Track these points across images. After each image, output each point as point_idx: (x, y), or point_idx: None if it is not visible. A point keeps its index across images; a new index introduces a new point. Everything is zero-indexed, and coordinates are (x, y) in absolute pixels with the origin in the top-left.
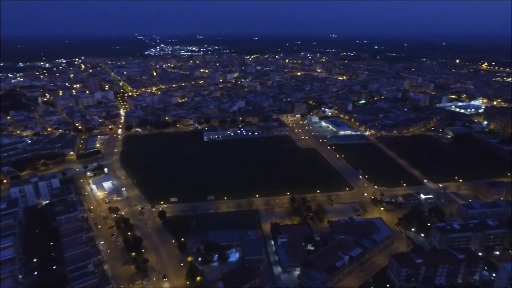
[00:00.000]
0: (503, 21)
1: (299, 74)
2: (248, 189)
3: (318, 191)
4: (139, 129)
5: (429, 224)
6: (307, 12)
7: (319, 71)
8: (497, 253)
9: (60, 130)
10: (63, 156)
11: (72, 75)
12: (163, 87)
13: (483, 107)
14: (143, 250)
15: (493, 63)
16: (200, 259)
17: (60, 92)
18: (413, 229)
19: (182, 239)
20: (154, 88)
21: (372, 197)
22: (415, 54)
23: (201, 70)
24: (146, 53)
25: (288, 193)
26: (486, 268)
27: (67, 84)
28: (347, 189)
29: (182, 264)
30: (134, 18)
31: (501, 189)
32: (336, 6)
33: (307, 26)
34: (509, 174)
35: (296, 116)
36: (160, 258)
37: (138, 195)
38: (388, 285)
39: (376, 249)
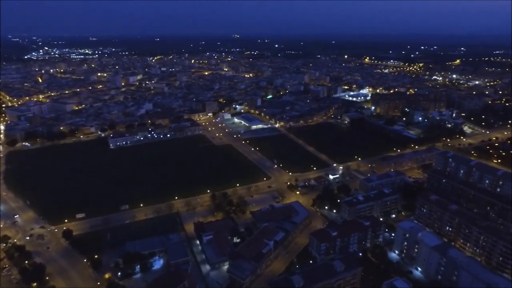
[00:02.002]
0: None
1: (206, 73)
2: (165, 192)
3: (237, 184)
4: (26, 143)
5: (338, 200)
6: (209, 12)
7: (226, 70)
8: (393, 216)
9: None
10: None
11: None
12: (52, 94)
13: (370, 95)
14: (47, 278)
15: (373, 58)
16: (119, 273)
17: None
18: (326, 207)
19: (96, 257)
20: (41, 96)
21: (288, 183)
22: (311, 51)
23: (99, 74)
24: (26, 57)
25: (209, 191)
26: (386, 230)
27: None
28: (264, 179)
29: (99, 283)
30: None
31: (391, 162)
32: (234, 6)
33: (209, 26)
34: (395, 149)
35: (208, 114)
36: (71, 282)
37: (34, 218)
38: (311, 261)
39: (297, 230)
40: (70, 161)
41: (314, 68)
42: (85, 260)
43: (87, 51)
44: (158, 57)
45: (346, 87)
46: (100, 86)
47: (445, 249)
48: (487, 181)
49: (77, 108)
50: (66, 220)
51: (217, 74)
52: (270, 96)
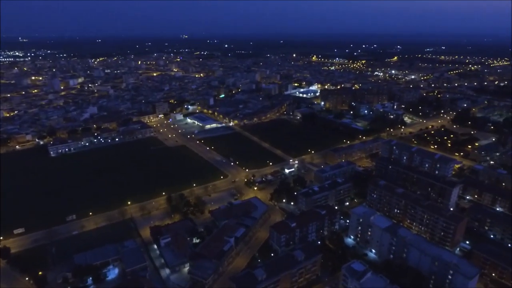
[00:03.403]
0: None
1: (155, 74)
2: (117, 199)
3: (194, 185)
4: None
5: (295, 193)
6: (153, 12)
7: (176, 70)
8: (347, 203)
9: None
10: None
11: None
12: None
13: (319, 91)
14: None
15: (320, 56)
16: None
17: None
18: (284, 200)
19: (40, 273)
20: None
21: (246, 180)
22: (260, 51)
23: (33, 78)
24: None
25: (164, 193)
26: (342, 217)
27: None
28: (221, 177)
29: None
30: None
31: (341, 153)
32: (182, 5)
33: (154, 27)
34: (344, 140)
35: (159, 116)
36: None
37: None
38: (272, 254)
39: (257, 225)
40: (3, 173)
41: (265, 67)
42: (27, 279)
43: (17, 53)
44: (101, 59)
45: (296, 84)
46: (36, 90)
47: (395, 229)
48: (426, 165)
49: (8, 115)
50: (1, 238)
51: (167, 74)
52: (222, 96)
